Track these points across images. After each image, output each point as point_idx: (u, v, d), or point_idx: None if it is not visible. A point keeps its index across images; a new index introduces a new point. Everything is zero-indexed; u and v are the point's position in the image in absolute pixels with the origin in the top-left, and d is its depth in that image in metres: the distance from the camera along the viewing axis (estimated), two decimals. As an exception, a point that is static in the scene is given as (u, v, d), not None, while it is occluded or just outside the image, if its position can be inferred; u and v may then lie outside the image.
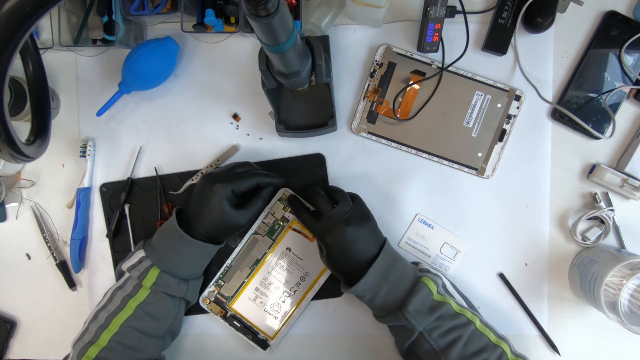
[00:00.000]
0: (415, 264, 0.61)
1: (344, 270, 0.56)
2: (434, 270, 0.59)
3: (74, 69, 0.67)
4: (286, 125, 0.62)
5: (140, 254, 0.57)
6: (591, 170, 0.62)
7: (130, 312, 0.55)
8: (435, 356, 0.52)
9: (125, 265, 0.58)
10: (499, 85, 0.62)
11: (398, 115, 0.63)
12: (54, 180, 0.68)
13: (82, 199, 0.66)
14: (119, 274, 0.60)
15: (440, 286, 0.55)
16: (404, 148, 0.64)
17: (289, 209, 0.64)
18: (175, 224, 0.56)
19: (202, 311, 0.64)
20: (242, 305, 0.64)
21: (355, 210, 0.56)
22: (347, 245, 0.54)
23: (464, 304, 0.56)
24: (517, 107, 0.62)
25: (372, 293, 0.54)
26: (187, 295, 0.59)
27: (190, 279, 0.59)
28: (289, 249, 0.64)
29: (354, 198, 0.58)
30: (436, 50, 0.61)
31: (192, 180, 0.65)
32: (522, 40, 0.62)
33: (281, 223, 0.64)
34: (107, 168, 0.67)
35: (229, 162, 0.66)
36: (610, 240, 0.62)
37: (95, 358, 0.53)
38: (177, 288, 0.57)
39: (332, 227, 0.55)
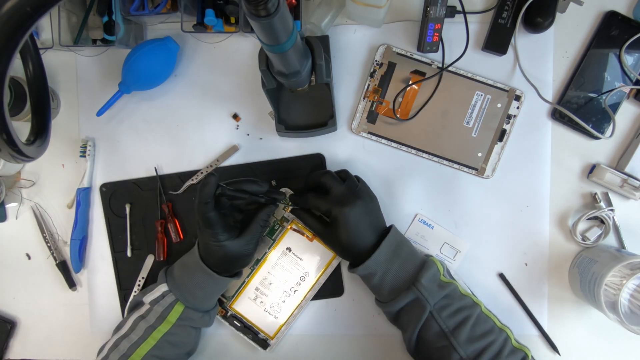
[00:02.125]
0: None
1: (353, 248, 0.56)
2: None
3: (74, 69, 0.67)
4: (286, 125, 0.62)
5: (163, 287, 0.57)
6: (591, 170, 0.62)
7: (153, 342, 0.56)
8: (444, 338, 0.52)
9: (147, 298, 0.58)
10: (499, 85, 0.62)
11: (398, 115, 0.63)
12: (54, 180, 0.68)
13: (82, 199, 0.66)
14: (135, 303, 0.60)
15: (446, 270, 0.57)
16: (404, 148, 0.64)
17: (289, 209, 0.64)
18: (201, 262, 0.56)
19: (202, 311, 0.64)
20: (242, 305, 0.64)
21: (363, 186, 0.58)
22: (359, 217, 0.55)
23: (469, 290, 0.57)
24: (517, 107, 0.62)
25: (384, 269, 0.54)
26: (209, 323, 0.60)
27: (210, 310, 0.60)
28: (289, 249, 0.64)
29: (358, 178, 0.59)
30: (436, 50, 0.61)
31: (192, 180, 0.65)
32: (522, 40, 0.62)
33: (281, 223, 0.64)
34: (107, 168, 0.67)
35: (226, 164, 0.66)
36: (610, 240, 0.62)
37: None
38: (201, 321, 0.58)
39: (345, 199, 0.55)
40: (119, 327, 0.59)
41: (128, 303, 0.62)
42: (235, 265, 0.59)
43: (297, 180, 0.64)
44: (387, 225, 0.59)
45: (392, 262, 0.55)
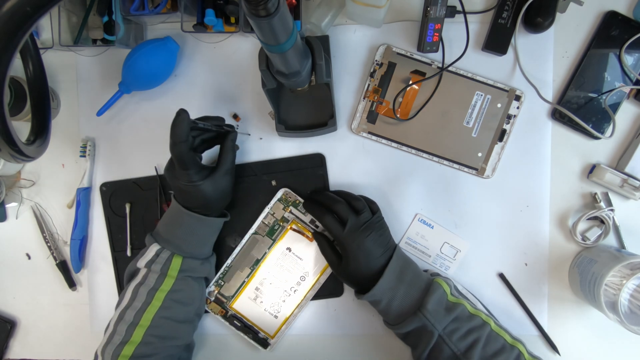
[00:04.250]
0: (424, 271, 0.62)
1: (359, 278, 0.57)
2: (443, 274, 0.60)
3: (74, 69, 0.67)
4: (286, 125, 0.62)
5: (155, 247, 0.57)
6: (591, 170, 0.62)
7: (159, 304, 0.55)
8: None
9: (141, 263, 0.57)
10: (499, 85, 0.62)
11: (398, 115, 0.63)
12: (54, 180, 0.68)
13: (82, 199, 0.66)
14: (131, 273, 0.59)
15: (453, 288, 0.57)
16: (404, 148, 0.64)
17: (289, 209, 0.64)
18: (183, 209, 0.56)
19: (202, 311, 0.64)
20: (243, 305, 0.64)
21: (376, 218, 0.57)
22: (367, 252, 0.55)
23: (478, 306, 0.57)
24: (517, 107, 0.62)
25: (389, 296, 0.55)
26: (210, 272, 0.61)
27: (209, 257, 0.61)
28: (289, 249, 0.64)
29: (372, 205, 0.59)
30: (436, 50, 0.61)
31: (192, 180, 0.65)
32: (522, 40, 0.62)
33: (281, 223, 0.64)
34: (107, 168, 0.67)
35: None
36: (610, 240, 0.62)
37: (132, 356, 0.53)
38: (202, 269, 0.59)
39: (356, 235, 0.55)
40: (120, 301, 0.58)
41: (124, 275, 0.60)
42: (218, 205, 0.59)
43: (297, 180, 0.64)
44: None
45: (396, 288, 0.55)
